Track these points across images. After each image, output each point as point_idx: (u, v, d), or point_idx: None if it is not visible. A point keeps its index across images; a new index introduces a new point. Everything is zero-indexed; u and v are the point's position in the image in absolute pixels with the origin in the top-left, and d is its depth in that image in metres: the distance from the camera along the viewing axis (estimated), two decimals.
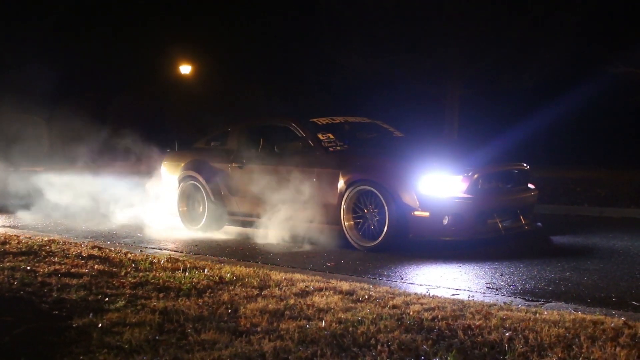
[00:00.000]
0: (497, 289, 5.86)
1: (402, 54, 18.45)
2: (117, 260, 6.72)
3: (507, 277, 6.34)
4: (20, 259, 6.59)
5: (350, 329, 4.30)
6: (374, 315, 4.58)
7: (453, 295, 5.55)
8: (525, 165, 8.73)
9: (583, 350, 3.86)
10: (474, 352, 3.89)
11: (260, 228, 8.90)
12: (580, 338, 4.03)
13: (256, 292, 5.37)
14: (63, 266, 6.25)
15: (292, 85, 25.31)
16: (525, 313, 4.65)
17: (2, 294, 5.13)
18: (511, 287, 5.94)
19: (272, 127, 9.63)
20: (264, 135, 9.55)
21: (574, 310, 4.83)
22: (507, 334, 4.12)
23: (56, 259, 6.64)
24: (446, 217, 7.64)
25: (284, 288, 5.50)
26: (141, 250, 7.92)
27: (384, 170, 8.02)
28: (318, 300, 5.06)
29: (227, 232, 9.33)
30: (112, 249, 7.67)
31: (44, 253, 6.93)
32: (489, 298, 5.44)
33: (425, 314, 4.62)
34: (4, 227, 10.36)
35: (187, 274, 6.05)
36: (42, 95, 10.85)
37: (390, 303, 4.96)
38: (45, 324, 4.43)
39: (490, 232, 7.96)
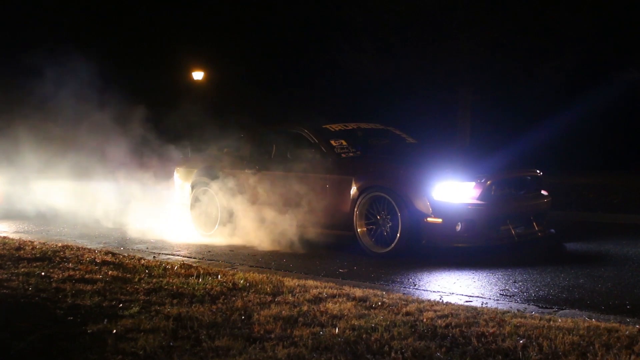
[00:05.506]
0: (510, 296, 5.85)
1: (415, 60, 18.46)
2: (131, 266, 6.74)
3: (520, 284, 6.32)
4: (34, 264, 6.62)
5: (364, 335, 4.30)
6: (388, 322, 4.58)
7: (466, 302, 5.55)
8: (538, 171, 8.71)
9: (597, 358, 3.84)
10: None
11: (273, 234, 8.90)
12: (594, 346, 4.02)
13: (269, 298, 5.38)
14: (77, 272, 6.27)
15: (304, 91, 25.35)
16: (539, 320, 4.63)
17: (17, 300, 5.16)
18: (525, 294, 5.93)
19: (284, 134, 9.64)
20: (277, 141, 9.56)
21: (588, 318, 4.82)
22: (521, 342, 4.11)
23: (70, 264, 6.67)
24: (459, 223, 7.63)
25: (297, 294, 5.50)
26: (154, 257, 7.95)
27: (396, 177, 8.02)
28: (331, 306, 5.07)
29: (239, 238, 9.33)
30: (126, 255, 7.69)
31: (58, 259, 6.96)
32: (503, 305, 5.43)
33: (439, 321, 4.61)
34: (18, 232, 10.42)
35: (200, 280, 6.06)
36: (55, 102, 10.90)
37: (404, 310, 4.95)
38: (60, 330, 4.45)
39: (503, 239, 7.94)
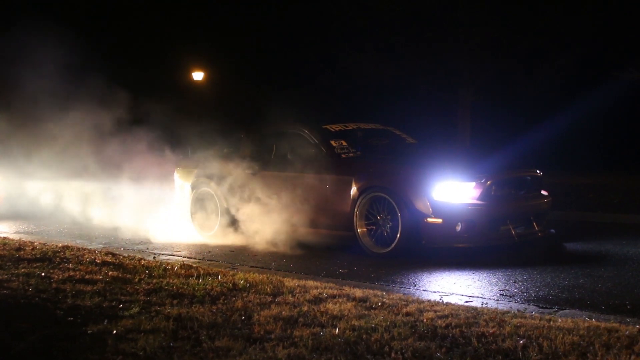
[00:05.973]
0: (510, 296, 5.85)
1: (415, 60, 18.46)
2: (131, 266, 6.74)
3: (520, 284, 6.32)
4: (34, 265, 6.63)
5: (364, 336, 4.30)
6: (388, 323, 4.58)
7: (466, 302, 5.54)
8: (538, 171, 8.71)
9: (597, 359, 3.84)
10: None
11: (273, 234, 8.91)
12: (594, 346, 4.02)
13: (270, 299, 5.38)
14: (77, 272, 6.28)
15: (304, 92, 25.35)
16: (539, 320, 4.63)
17: (17, 301, 5.17)
18: (525, 294, 5.93)
19: (284, 134, 9.63)
20: (277, 141, 9.55)
21: (588, 318, 4.82)
22: (521, 342, 4.11)
23: (70, 265, 6.67)
24: (459, 223, 7.63)
25: (297, 295, 5.50)
26: (154, 257, 7.95)
27: (396, 177, 8.02)
28: (331, 307, 5.07)
29: (240, 239, 9.33)
30: (126, 255, 7.69)
31: (58, 259, 6.96)
32: (503, 305, 5.43)
33: (439, 322, 4.61)
34: (19, 233, 10.42)
35: (200, 280, 6.06)
36: (54, 103, 10.89)
37: (404, 310, 4.95)
38: (60, 330, 4.45)
39: (503, 239, 7.94)
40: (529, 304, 5.50)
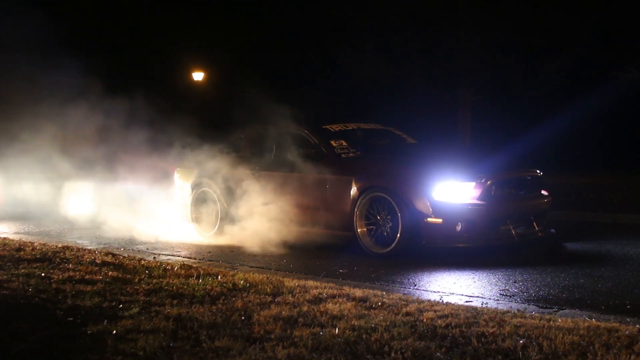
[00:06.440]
0: (510, 296, 5.85)
1: (415, 60, 18.44)
2: (131, 267, 6.74)
3: (520, 284, 6.32)
4: (34, 265, 6.63)
5: (364, 336, 4.30)
6: (388, 323, 4.58)
7: (466, 302, 5.54)
8: (538, 171, 8.71)
9: (597, 358, 3.84)
10: None
11: (273, 234, 8.91)
12: (594, 346, 4.02)
13: (269, 299, 5.38)
14: (77, 273, 6.28)
15: (304, 92, 25.34)
16: (539, 320, 4.63)
17: (17, 301, 5.17)
18: (525, 294, 5.93)
19: (285, 134, 9.62)
20: (277, 141, 9.54)
21: (588, 318, 4.82)
22: (521, 342, 4.11)
23: (70, 265, 6.67)
24: (459, 223, 7.63)
25: (297, 295, 5.50)
26: (154, 257, 7.95)
27: (396, 177, 8.02)
28: (331, 307, 5.07)
29: (239, 239, 9.33)
30: (126, 255, 7.69)
31: (58, 260, 6.96)
32: (503, 305, 5.43)
33: (439, 321, 4.61)
34: (19, 233, 10.41)
35: (200, 280, 6.06)
36: (52, 102, 10.87)
37: (404, 310, 4.95)
38: (60, 330, 4.45)
39: (504, 239, 7.94)
40: (529, 304, 5.50)
